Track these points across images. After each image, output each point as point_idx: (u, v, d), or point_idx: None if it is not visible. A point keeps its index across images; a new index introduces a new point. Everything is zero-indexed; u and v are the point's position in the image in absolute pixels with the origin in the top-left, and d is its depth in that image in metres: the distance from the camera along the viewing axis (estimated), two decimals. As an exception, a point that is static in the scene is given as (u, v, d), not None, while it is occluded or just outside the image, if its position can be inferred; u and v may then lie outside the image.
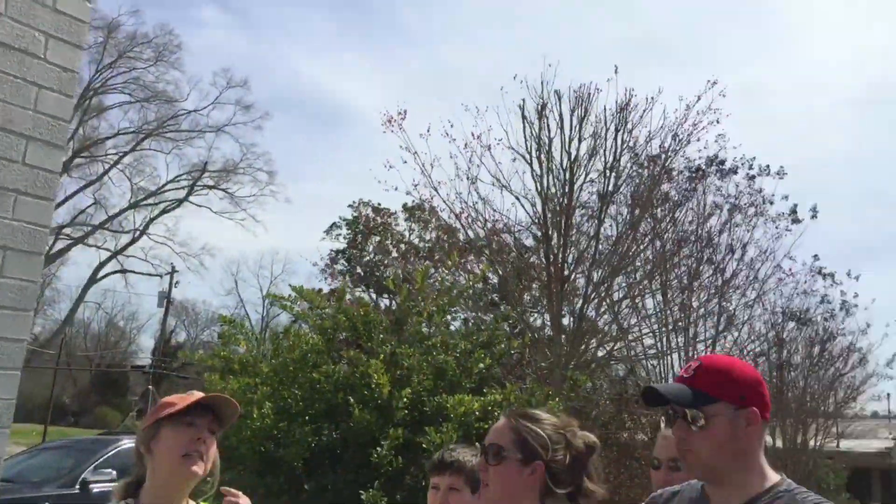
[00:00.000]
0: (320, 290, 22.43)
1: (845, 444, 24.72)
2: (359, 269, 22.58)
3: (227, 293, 48.33)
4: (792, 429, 18.48)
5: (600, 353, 11.95)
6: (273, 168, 39.43)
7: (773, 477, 1.78)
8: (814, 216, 13.95)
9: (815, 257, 15.32)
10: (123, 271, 39.41)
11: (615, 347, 11.67)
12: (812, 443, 19.86)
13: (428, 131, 11.34)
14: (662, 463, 2.43)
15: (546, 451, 1.91)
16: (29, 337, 2.63)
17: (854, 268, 17.04)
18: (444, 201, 11.23)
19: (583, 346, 10.78)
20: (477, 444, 6.12)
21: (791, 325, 15.83)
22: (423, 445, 5.38)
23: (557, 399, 6.45)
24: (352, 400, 5.71)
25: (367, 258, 22.13)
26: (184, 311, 48.73)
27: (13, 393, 2.48)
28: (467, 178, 10.80)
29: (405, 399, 5.74)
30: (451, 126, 11.18)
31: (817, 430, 20.16)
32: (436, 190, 11.29)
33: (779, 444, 17.59)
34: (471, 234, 11.43)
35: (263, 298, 42.05)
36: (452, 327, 9.76)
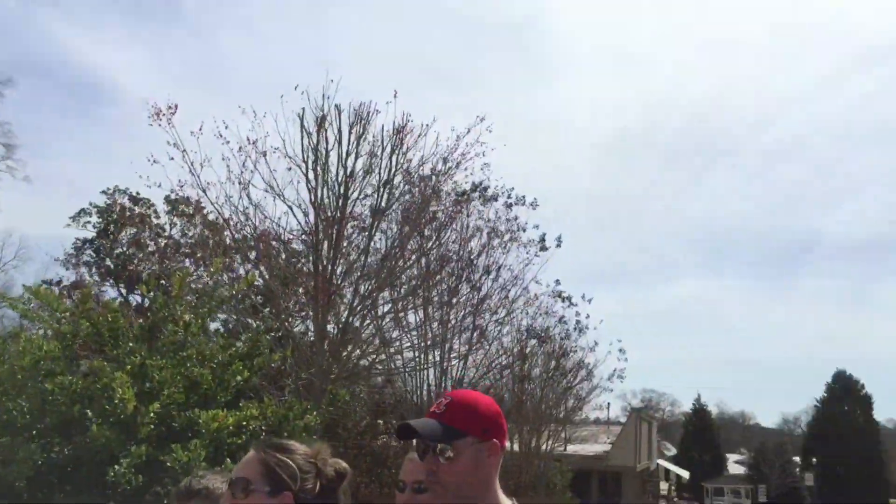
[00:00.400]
0: (59, 281, 20.17)
1: (571, 448, 27.63)
2: (108, 262, 20.64)
3: (-59, 278, 41.35)
4: (528, 434, 20.20)
5: (362, 363, 12.17)
6: (13, 141, 34.37)
7: (506, 501, 1.98)
8: (558, 245, 15.55)
9: (557, 282, 17.07)
10: None
11: (377, 359, 12.00)
12: (544, 447, 21.91)
13: (200, 129, 10.73)
14: (407, 485, 2.56)
15: (295, 481, 1.93)
16: None
17: (588, 291, 19.16)
18: (213, 204, 10.76)
19: (345, 355, 10.89)
20: (228, 459, 5.90)
21: (533, 341, 17.46)
22: (168, 464, 5.11)
23: (315, 413, 6.49)
24: (90, 413, 5.25)
25: (120, 251, 20.32)
26: None
27: None
28: (239, 183, 10.46)
29: (152, 414, 5.39)
30: (226, 127, 10.70)
31: (549, 435, 22.29)
32: (204, 192, 10.76)
33: (516, 448, 19.15)
34: (238, 237, 11.06)
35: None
36: (211, 327, 9.33)
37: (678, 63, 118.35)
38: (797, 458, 61.08)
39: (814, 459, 53.41)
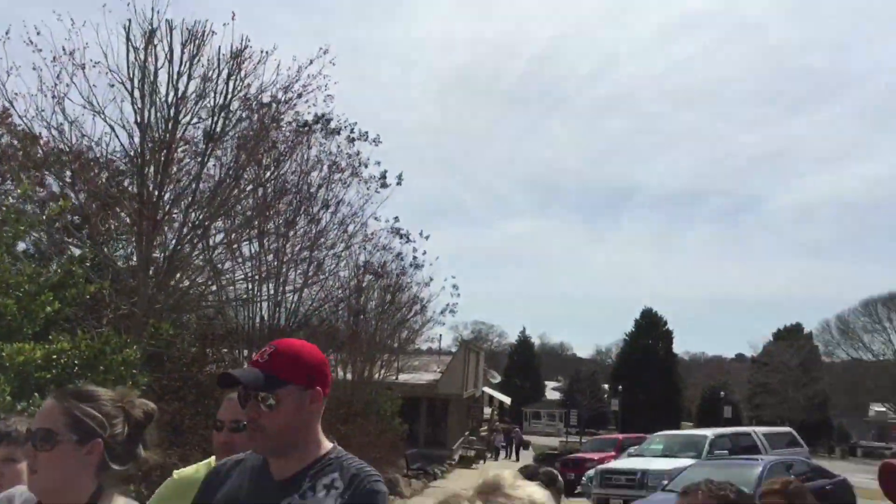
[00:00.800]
0: None
1: (403, 377, 28.62)
2: None
3: None
4: (361, 364, 20.65)
5: (192, 293, 11.71)
6: None
7: (327, 445, 2.02)
8: (399, 182, 15.71)
9: (396, 219, 17.32)
10: None
11: (207, 290, 11.61)
12: (377, 376, 22.53)
13: (7, 34, 9.51)
14: (225, 424, 2.60)
15: (104, 428, 1.89)
16: None
17: (426, 228, 19.66)
18: (22, 118, 9.62)
19: (172, 285, 10.41)
20: (36, 394, 5.61)
21: (370, 276, 17.72)
22: (-34, 400, 4.75)
23: (135, 347, 6.23)
24: None
25: None
26: None
27: None
28: (53, 97, 9.41)
29: (-55, 346, 4.96)
30: (38, 34, 9.55)
31: (382, 365, 22.92)
32: (11, 104, 9.61)
33: (349, 377, 19.55)
34: (52, 154, 10.06)
35: None
36: (20, 247, 8.51)
37: (522, 9, 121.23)
38: (606, 386, 67.32)
39: (620, 387, 59.09)
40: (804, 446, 20.61)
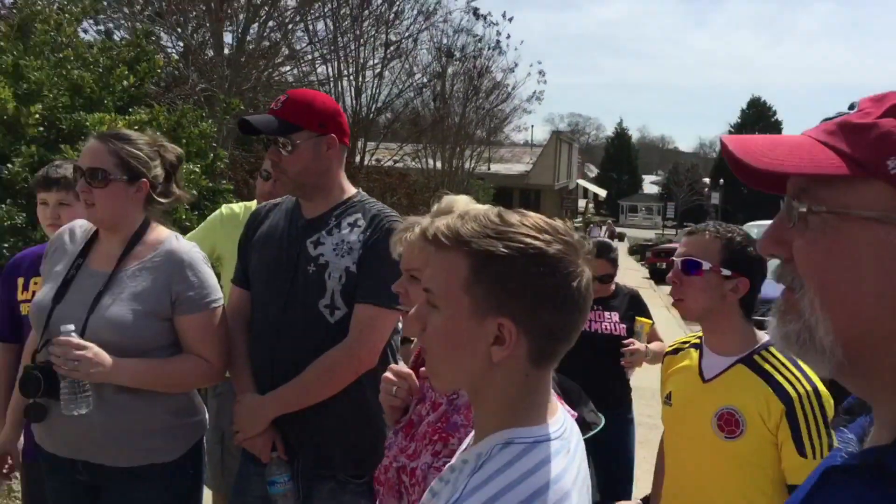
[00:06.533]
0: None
1: (494, 168, 28.89)
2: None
3: None
4: (450, 153, 20.85)
5: (274, 76, 11.84)
6: None
7: (351, 190, 2.23)
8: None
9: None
10: None
11: (286, 71, 11.71)
12: (467, 165, 22.79)
13: None
14: (271, 175, 2.81)
15: (148, 169, 2.10)
16: None
17: (510, 9, 18.43)
18: None
19: (244, 60, 10.45)
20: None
21: (451, 59, 17.18)
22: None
23: (210, 121, 6.51)
24: (-34, 110, 5.18)
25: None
26: None
27: None
28: None
29: (36, 116, 5.35)
30: None
31: (471, 155, 23.05)
32: None
33: (438, 166, 19.88)
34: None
35: None
36: (89, 37, 8.62)
37: None
38: (707, 180, 65.58)
39: (721, 180, 57.34)
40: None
